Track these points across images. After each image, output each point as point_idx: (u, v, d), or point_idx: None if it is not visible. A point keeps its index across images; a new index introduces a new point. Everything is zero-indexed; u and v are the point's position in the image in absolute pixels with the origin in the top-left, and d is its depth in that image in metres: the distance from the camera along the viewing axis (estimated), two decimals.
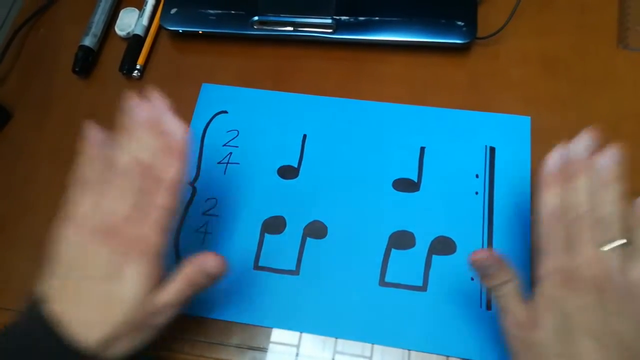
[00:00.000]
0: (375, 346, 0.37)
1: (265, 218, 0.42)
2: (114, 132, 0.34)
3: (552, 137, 0.42)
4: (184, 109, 0.47)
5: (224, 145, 0.45)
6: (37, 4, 0.54)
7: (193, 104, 0.47)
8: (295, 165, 0.44)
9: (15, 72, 0.52)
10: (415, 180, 0.42)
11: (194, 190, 0.44)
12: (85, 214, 0.32)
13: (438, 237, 0.40)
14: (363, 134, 0.44)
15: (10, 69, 0.52)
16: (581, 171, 0.31)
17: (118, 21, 0.52)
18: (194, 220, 0.43)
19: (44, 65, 0.52)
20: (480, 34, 0.45)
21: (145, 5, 0.52)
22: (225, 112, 0.47)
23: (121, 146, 0.33)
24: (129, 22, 0.51)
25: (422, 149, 0.43)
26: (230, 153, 0.45)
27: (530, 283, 0.36)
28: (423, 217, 0.41)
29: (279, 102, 0.46)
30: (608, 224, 0.29)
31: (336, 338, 0.38)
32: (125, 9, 0.52)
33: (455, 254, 0.39)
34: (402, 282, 0.39)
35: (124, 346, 0.30)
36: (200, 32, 0.49)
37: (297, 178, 0.43)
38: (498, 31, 0.45)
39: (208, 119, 0.47)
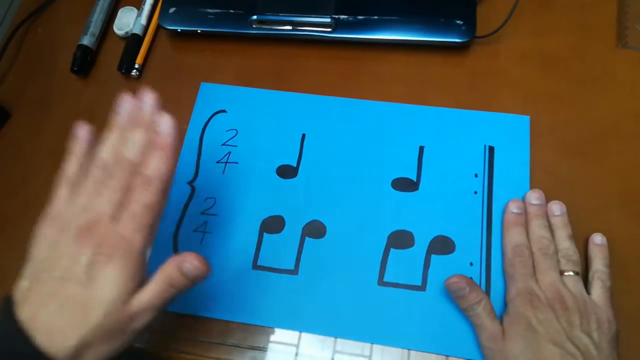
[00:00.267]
0: (375, 346, 0.37)
1: (264, 217, 0.42)
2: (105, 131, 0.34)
3: (552, 136, 0.43)
4: (183, 108, 0.47)
5: (223, 144, 0.45)
6: (36, 3, 0.54)
7: (192, 103, 0.47)
8: (294, 165, 0.44)
9: (13, 72, 0.52)
10: (414, 180, 0.42)
11: (193, 189, 0.44)
12: (60, 211, 0.30)
13: (437, 236, 0.40)
14: (362, 133, 0.44)
15: (9, 69, 0.52)
16: (538, 215, 0.39)
17: (116, 20, 0.51)
18: (193, 220, 0.43)
19: (42, 64, 0.52)
20: (479, 33, 0.45)
21: (144, 5, 0.52)
22: (224, 111, 0.47)
23: (105, 143, 0.32)
24: (127, 21, 0.51)
25: (421, 148, 0.43)
26: (229, 152, 0.45)
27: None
28: (422, 216, 0.41)
29: (278, 101, 0.46)
30: (564, 256, 0.37)
31: (335, 337, 0.38)
32: (123, 8, 0.52)
33: (454, 253, 0.39)
34: (401, 282, 0.39)
35: (98, 354, 0.28)
36: (199, 31, 0.49)
37: (296, 177, 0.43)
38: (497, 30, 0.45)
39: (207, 118, 0.46)
